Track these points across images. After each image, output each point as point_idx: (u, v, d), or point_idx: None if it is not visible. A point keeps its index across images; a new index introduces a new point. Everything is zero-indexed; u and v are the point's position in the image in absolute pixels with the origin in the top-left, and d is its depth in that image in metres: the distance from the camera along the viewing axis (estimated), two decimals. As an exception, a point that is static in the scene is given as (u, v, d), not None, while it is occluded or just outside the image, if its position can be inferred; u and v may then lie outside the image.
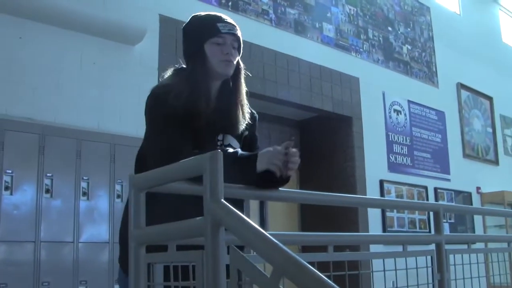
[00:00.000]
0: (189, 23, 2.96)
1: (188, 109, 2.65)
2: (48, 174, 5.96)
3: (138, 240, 2.11)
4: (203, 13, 2.96)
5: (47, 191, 5.95)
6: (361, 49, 10.78)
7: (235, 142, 2.84)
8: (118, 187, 6.41)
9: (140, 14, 7.28)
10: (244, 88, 2.92)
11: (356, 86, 10.37)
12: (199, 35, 2.83)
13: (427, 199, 11.34)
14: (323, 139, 10.41)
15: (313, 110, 9.84)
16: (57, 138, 6.11)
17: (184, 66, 2.93)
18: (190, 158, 1.92)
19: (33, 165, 5.90)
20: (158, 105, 2.70)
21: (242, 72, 2.93)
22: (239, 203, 2.82)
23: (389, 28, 11.66)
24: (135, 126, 6.64)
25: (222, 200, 1.79)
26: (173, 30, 7.59)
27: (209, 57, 2.79)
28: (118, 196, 6.39)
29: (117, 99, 6.85)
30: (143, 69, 7.15)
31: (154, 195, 2.25)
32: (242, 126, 2.84)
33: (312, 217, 10.14)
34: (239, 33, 2.89)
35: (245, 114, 2.86)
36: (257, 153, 2.56)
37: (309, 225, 10.18)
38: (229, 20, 2.90)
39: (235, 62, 2.86)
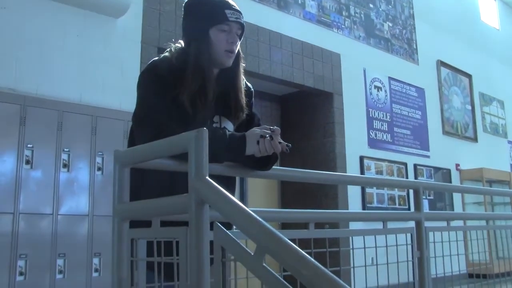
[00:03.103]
0: (193, 2, 2.87)
1: (194, 98, 2.63)
2: (28, 145, 5.92)
3: (122, 215, 2.11)
4: None
5: (27, 162, 5.91)
6: (342, 26, 10.77)
7: (230, 125, 2.81)
8: (99, 159, 6.38)
9: (124, -13, 7.21)
10: (242, 76, 2.89)
11: (337, 62, 10.37)
12: (206, 18, 2.76)
13: (407, 176, 11.42)
14: (304, 115, 10.43)
15: (295, 86, 9.84)
16: (39, 109, 6.06)
17: (181, 44, 2.85)
18: (176, 135, 1.91)
19: (13, 136, 5.86)
20: (152, 78, 2.66)
21: (242, 60, 2.89)
22: (232, 180, 2.83)
23: (371, 5, 11.65)
24: (117, 99, 6.62)
25: (207, 177, 1.79)
26: (157, 4, 7.54)
27: (213, 44, 2.74)
28: (99, 169, 6.37)
29: (100, 72, 6.80)
30: (126, 43, 7.11)
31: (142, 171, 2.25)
32: (242, 115, 2.83)
33: (291, 192, 10.18)
34: (243, 21, 2.84)
35: (243, 102, 2.82)
36: (245, 134, 2.55)
37: (288, 201, 10.22)
38: (236, 6, 2.84)
39: (236, 51, 2.82)
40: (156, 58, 2.80)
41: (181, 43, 2.86)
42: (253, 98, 2.99)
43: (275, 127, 2.56)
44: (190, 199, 1.77)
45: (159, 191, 2.17)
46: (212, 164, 1.91)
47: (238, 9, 2.83)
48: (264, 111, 10.43)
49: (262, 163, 2.67)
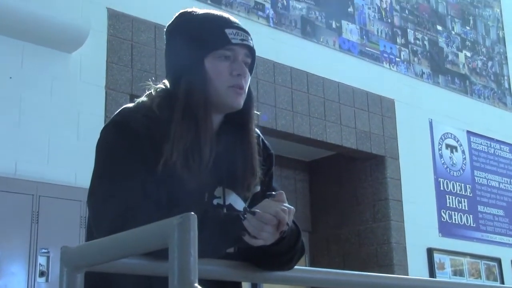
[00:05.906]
0: (179, 23, 2.85)
1: (187, 161, 2.58)
2: None
3: None
4: (199, 11, 2.86)
5: None
6: (397, 59, 10.83)
7: (239, 202, 2.75)
8: (42, 260, 6.32)
9: (80, 8, 7.26)
10: (255, 127, 2.85)
11: (391, 111, 10.41)
12: (198, 44, 2.73)
13: (502, 278, 11.28)
14: (343, 189, 10.43)
15: (329, 147, 9.87)
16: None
17: (164, 85, 2.83)
18: (151, 224, 1.90)
19: None
20: (120, 135, 2.60)
21: (254, 102, 2.87)
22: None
23: (439, 27, 11.72)
24: (70, 170, 6.62)
25: (196, 285, 1.78)
26: (128, 32, 7.60)
27: (212, 79, 2.69)
28: (42, 274, 6.30)
29: (44, 130, 6.79)
30: (84, 87, 7.13)
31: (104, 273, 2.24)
32: (255, 185, 2.78)
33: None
34: (253, 44, 2.81)
35: (256, 166, 2.77)
36: (249, 212, 2.41)
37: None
38: (240, 24, 2.81)
39: (246, 88, 2.76)
40: (129, 105, 2.78)
41: (165, 84, 2.84)
42: (273, 166, 2.96)
43: (279, 191, 2.51)
44: (173, 319, 1.77)
45: None
46: (203, 264, 1.90)
47: (244, 28, 2.81)
48: (286, 184, 10.43)
49: (276, 259, 2.62)
